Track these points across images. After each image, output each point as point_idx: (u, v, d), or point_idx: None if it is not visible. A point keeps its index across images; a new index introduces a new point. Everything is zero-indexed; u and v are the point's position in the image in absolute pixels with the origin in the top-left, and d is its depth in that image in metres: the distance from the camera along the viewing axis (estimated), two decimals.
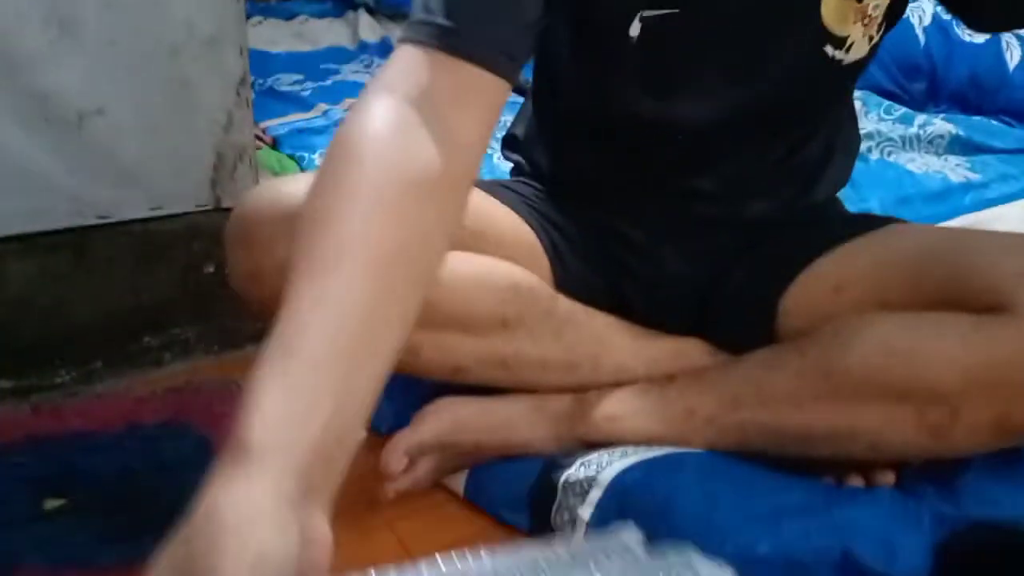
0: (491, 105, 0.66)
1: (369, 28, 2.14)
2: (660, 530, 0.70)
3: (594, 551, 0.61)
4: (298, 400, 0.49)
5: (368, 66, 1.96)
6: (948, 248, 0.78)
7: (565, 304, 0.87)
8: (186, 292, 1.05)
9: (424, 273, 0.60)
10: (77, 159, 0.95)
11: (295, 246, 0.56)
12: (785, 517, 0.69)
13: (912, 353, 0.71)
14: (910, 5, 0.85)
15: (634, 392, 0.85)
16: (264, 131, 1.51)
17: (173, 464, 0.89)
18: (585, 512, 0.76)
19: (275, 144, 1.49)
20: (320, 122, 1.57)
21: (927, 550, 0.67)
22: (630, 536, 0.64)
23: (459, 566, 0.55)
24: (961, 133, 1.57)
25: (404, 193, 0.58)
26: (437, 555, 0.56)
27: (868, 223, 0.85)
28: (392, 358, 0.55)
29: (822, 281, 0.82)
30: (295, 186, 0.77)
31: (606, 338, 0.88)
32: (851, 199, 1.23)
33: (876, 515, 0.68)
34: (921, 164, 1.51)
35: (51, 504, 0.84)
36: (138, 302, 1.03)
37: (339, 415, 0.49)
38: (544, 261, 0.88)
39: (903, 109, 1.67)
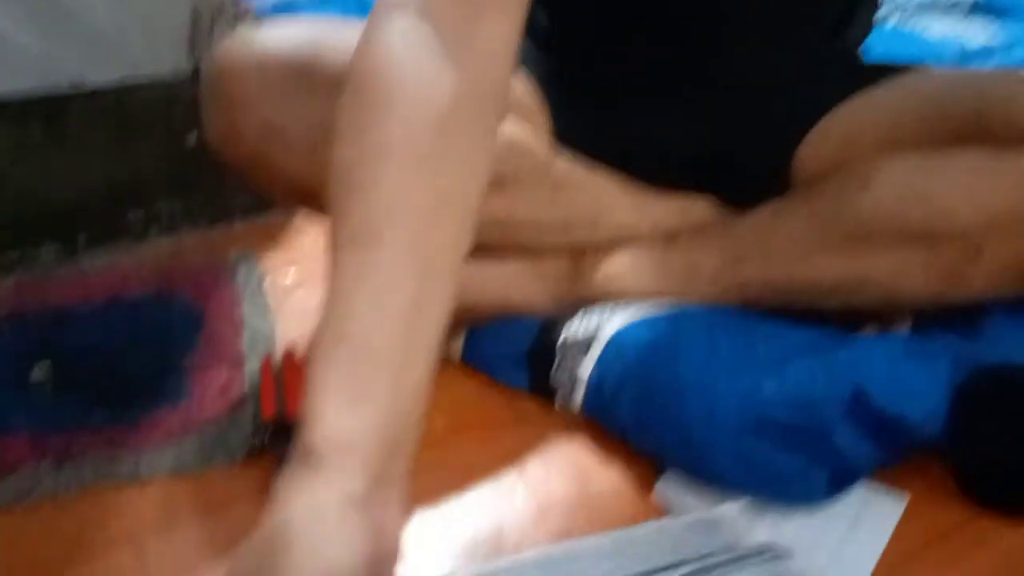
0: (511, 4, 0.58)
1: None
2: (661, 382, 0.68)
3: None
4: (356, 393, 0.47)
5: None
6: (967, 85, 0.73)
7: (563, 162, 0.82)
8: (169, 164, 1.00)
9: (470, 213, 0.55)
10: (46, 19, 0.89)
11: (331, 204, 0.52)
12: (791, 358, 0.66)
13: (930, 192, 0.67)
14: None
15: (634, 251, 0.82)
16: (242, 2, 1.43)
17: (159, 334, 0.86)
18: (585, 371, 0.74)
19: (255, 18, 1.41)
20: None
21: (943, 392, 0.64)
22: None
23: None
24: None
25: (437, 135, 0.53)
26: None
27: (886, 71, 0.80)
28: (445, 318, 0.52)
29: (837, 129, 0.78)
30: (272, 35, 0.72)
31: (606, 196, 0.84)
32: None
33: (890, 356, 0.65)
34: (938, 31, 1.45)
35: (37, 374, 0.82)
36: (118, 176, 0.98)
37: (399, 398, 0.48)
38: (541, 116, 0.84)
39: None
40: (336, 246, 0.51)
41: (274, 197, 0.95)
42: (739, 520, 0.54)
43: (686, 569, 0.52)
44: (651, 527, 0.53)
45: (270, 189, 0.81)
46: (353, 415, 0.46)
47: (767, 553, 0.55)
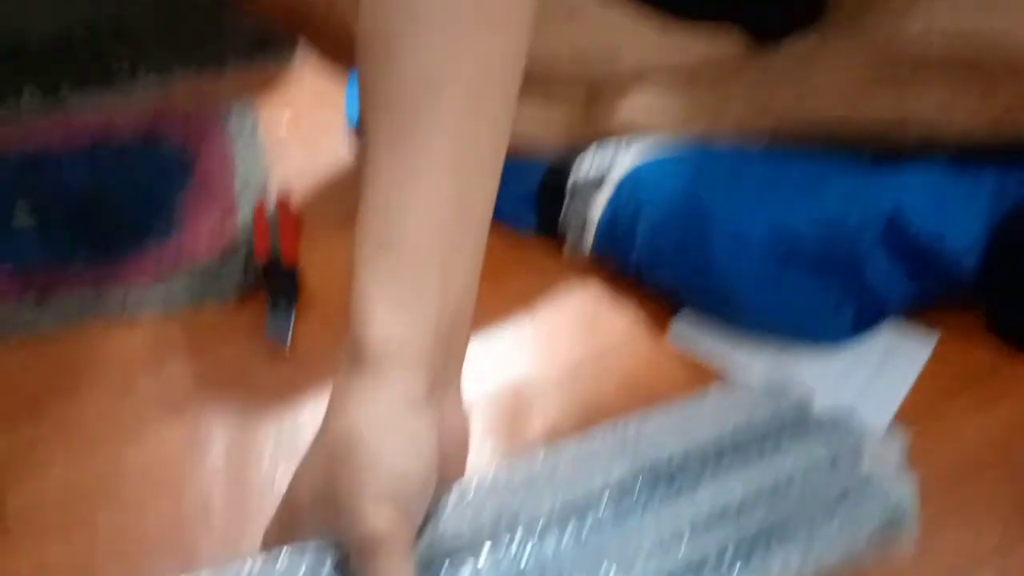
0: None
1: None
2: (681, 211, 0.64)
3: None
4: (407, 296, 0.43)
5: None
6: None
7: None
8: (158, 6, 0.94)
9: (512, 87, 0.50)
10: None
11: (361, 71, 0.48)
12: (824, 182, 0.61)
13: (984, 21, 0.61)
14: None
15: (654, 89, 0.76)
16: None
17: (147, 177, 0.82)
18: (595, 213, 0.69)
19: None
20: None
21: (983, 225, 0.60)
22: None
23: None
24: None
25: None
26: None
27: None
28: (491, 206, 0.48)
29: None
30: None
31: (624, 28, 0.78)
32: None
33: (929, 182, 0.60)
34: None
35: (19, 214, 0.78)
36: (104, 17, 0.93)
37: (450, 298, 0.44)
38: None
39: None
40: (370, 125, 0.47)
41: (266, 19, 0.89)
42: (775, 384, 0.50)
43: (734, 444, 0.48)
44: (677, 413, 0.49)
45: (262, 9, 0.76)
46: (405, 317, 0.43)
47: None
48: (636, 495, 0.43)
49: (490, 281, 0.77)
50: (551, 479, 0.43)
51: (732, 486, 0.44)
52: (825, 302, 0.61)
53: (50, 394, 0.64)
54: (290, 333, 0.67)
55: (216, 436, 0.60)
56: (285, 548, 0.38)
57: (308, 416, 0.62)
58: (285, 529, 0.41)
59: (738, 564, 0.41)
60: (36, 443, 0.60)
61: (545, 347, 0.68)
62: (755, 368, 0.62)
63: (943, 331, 0.66)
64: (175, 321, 0.70)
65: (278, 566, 0.37)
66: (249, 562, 0.37)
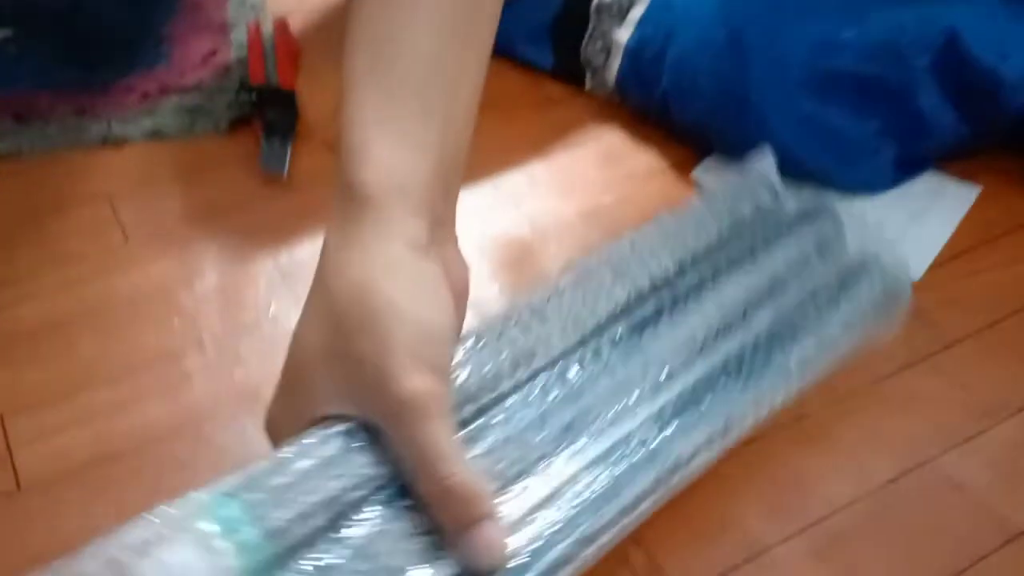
0: None
1: None
2: (715, 33, 0.58)
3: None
4: (406, 127, 0.38)
5: None
6: None
7: None
8: None
9: None
10: None
11: None
12: (876, 3, 0.55)
13: None
14: None
15: None
16: None
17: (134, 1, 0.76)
18: (623, 35, 0.63)
19: None
20: None
21: None
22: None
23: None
24: None
25: None
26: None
27: None
28: (494, 28, 0.42)
29: None
30: None
31: None
32: None
33: (988, 9, 0.54)
34: None
35: None
36: None
37: (451, 129, 0.39)
38: None
39: None
40: None
41: None
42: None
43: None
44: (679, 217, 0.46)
45: None
46: (405, 152, 0.37)
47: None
48: (645, 315, 0.40)
49: (504, 121, 0.73)
50: (560, 311, 0.40)
51: (733, 293, 0.42)
52: (866, 139, 0.56)
53: (29, 221, 0.60)
54: (287, 162, 0.63)
55: (207, 267, 0.57)
56: (314, 431, 0.34)
57: (305, 249, 0.58)
58: (293, 402, 0.36)
59: (756, 366, 0.40)
60: (13, 270, 0.57)
61: (561, 189, 0.63)
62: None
63: (985, 185, 0.62)
64: (164, 149, 0.65)
65: (309, 455, 0.33)
66: (278, 456, 0.33)
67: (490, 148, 0.65)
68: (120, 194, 0.62)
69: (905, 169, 0.59)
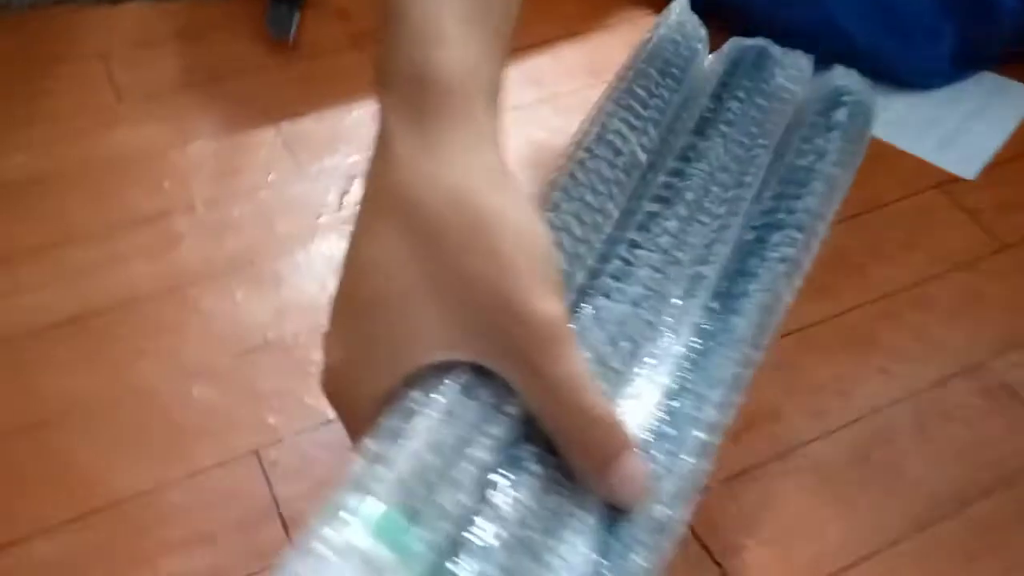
0: None
1: None
2: None
3: None
4: (475, 6, 0.31)
5: None
6: None
7: None
8: None
9: None
10: None
11: None
12: None
13: None
14: None
15: None
16: None
17: None
18: None
19: None
20: None
21: None
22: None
23: None
24: None
25: None
26: None
27: None
28: None
29: None
30: None
31: None
32: None
33: None
34: None
35: None
36: None
37: (509, 15, 0.32)
38: None
39: None
40: None
41: None
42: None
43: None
44: None
45: None
46: (480, 35, 0.31)
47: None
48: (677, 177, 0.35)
49: (538, 5, 0.68)
50: (600, 189, 0.35)
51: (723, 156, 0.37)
52: (926, 16, 0.51)
53: (20, 76, 0.56)
54: (294, 27, 0.58)
55: (203, 131, 0.52)
56: (447, 385, 0.26)
57: (310, 118, 0.53)
58: (378, 353, 0.27)
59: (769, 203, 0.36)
60: (1, 124, 0.53)
61: (594, 72, 0.59)
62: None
63: None
64: (165, 9, 0.61)
65: (435, 422, 0.26)
66: (405, 432, 0.26)
67: (523, 34, 0.61)
68: (115, 54, 0.58)
69: (963, 65, 0.54)
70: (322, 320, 0.47)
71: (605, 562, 0.27)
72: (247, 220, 0.48)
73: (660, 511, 0.28)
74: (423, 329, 0.26)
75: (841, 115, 0.38)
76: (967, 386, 0.41)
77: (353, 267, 0.28)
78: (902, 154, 0.52)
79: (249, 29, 0.59)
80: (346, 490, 0.24)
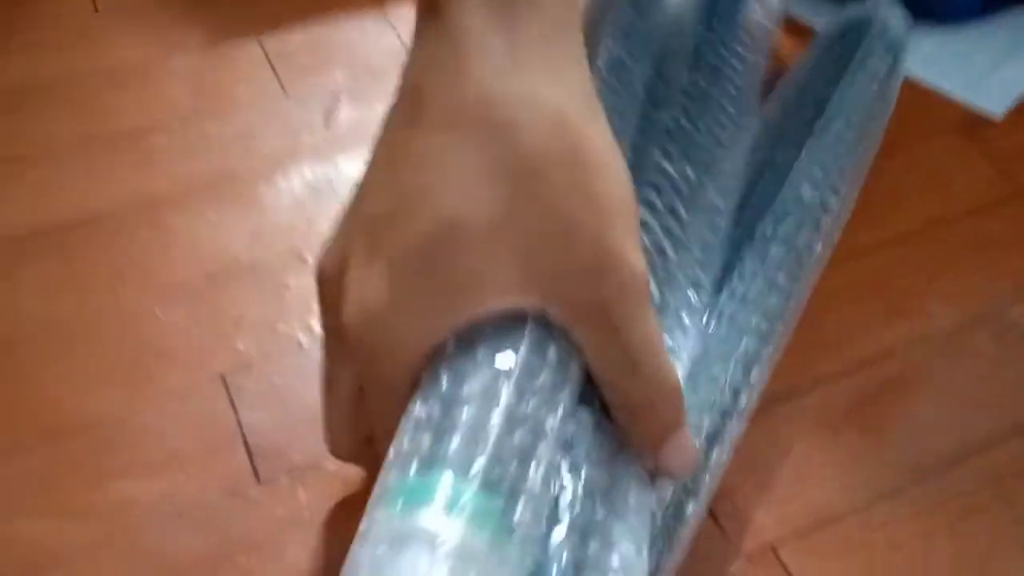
0: None
1: None
2: None
3: None
4: None
5: None
6: None
7: None
8: None
9: None
10: None
11: None
12: None
13: None
14: None
15: None
16: None
17: None
18: None
19: None
20: None
21: None
22: None
23: None
24: None
25: None
26: None
27: None
28: None
29: None
30: None
31: None
32: None
33: None
34: None
35: None
36: None
37: None
38: None
39: None
40: None
41: None
42: None
43: None
44: None
45: None
46: None
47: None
48: None
49: None
50: None
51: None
52: None
53: None
54: None
55: (184, 44, 0.50)
56: (513, 341, 0.23)
57: (296, 35, 0.50)
58: (435, 290, 0.23)
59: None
60: None
61: None
62: None
63: None
64: None
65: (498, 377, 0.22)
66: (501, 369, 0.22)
67: None
68: None
69: (995, 1, 0.51)
70: (299, 244, 0.44)
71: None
72: (227, 138, 0.45)
73: None
74: (499, 268, 0.23)
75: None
76: (981, 332, 0.38)
77: (410, 189, 0.23)
78: (925, 93, 0.49)
79: None
80: (411, 465, 0.21)
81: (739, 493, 0.33)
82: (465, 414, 0.21)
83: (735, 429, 0.29)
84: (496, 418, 0.21)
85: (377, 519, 0.20)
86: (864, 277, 0.41)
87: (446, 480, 0.20)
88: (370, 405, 0.25)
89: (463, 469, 0.21)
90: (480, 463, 0.21)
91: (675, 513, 0.27)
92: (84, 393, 0.36)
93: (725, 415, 0.29)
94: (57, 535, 0.32)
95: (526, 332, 0.23)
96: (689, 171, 0.33)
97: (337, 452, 0.30)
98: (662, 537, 0.26)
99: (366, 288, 0.23)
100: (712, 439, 0.28)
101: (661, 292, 0.29)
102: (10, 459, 0.34)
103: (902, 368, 0.37)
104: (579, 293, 0.23)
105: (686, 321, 0.29)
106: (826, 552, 0.32)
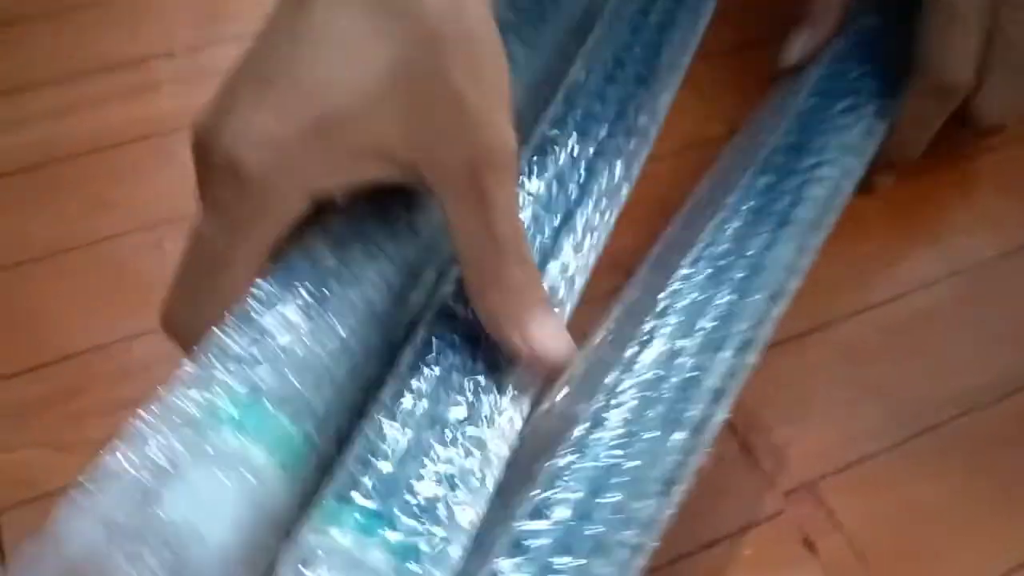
0: None
1: None
2: None
3: None
4: None
5: None
6: None
7: None
8: None
9: None
10: None
11: None
12: None
13: None
14: None
15: None
16: None
17: None
18: None
19: None
20: None
21: None
22: None
23: None
24: None
25: None
26: None
27: None
28: None
29: None
30: None
31: None
32: None
33: None
34: None
35: None
36: None
37: None
38: None
39: None
40: None
41: None
42: None
43: None
44: None
45: None
46: None
47: None
48: None
49: None
50: None
51: None
52: None
53: None
54: None
55: None
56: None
57: None
58: (328, 133, 0.24)
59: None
60: None
61: None
62: None
63: None
64: None
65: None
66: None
67: None
68: None
69: None
70: None
71: None
72: (229, 67, 0.44)
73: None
74: (384, 126, 0.24)
75: None
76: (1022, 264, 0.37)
77: (300, 50, 0.24)
78: None
79: None
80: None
81: (775, 430, 0.32)
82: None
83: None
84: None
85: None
86: (902, 207, 0.39)
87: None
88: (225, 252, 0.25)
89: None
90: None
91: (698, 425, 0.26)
92: (78, 323, 0.35)
93: None
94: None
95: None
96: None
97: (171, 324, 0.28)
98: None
99: (252, 130, 0.24)
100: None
101: None
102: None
103: (940, 301, 0.36)
104: (453, 156, 0.24)
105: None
106: (866, 488, 0.31)
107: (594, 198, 0.29)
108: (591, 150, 0.30)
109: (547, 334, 0.25)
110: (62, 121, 0.42)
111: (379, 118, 0.24)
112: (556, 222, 0.28)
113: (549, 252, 0.28)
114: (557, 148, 0.30)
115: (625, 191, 0.30)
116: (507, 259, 0.25)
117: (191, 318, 0.27)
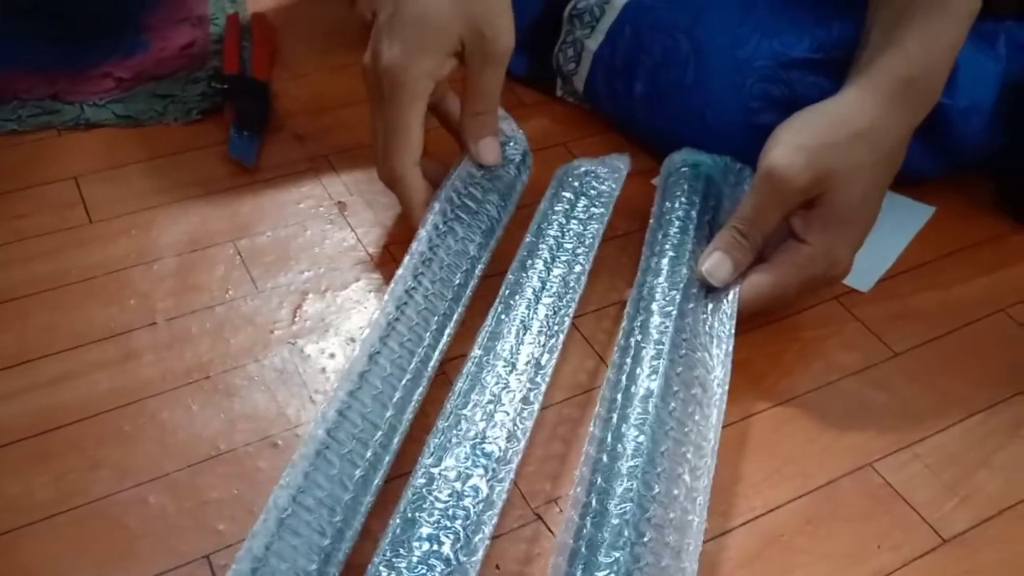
0: None
1: None
2: (682, 46, 0.59)
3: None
4: None
5: None
6: None
7: None
8: None
9: None
10: None
11: None
12: (835, 18, 0.56)
13: None
14: None
15: None
16: None
17: None
18: (593, 42, 0.64)
19: None
20: None
21: (996, 81, 0.56)
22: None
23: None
24: None
25: None
26: None
27: None
28: None
29: None
30: None
31: None
32: None
33: None
34: None
35: None
36: None
37: None
38: None
39: None
40: None
41: None
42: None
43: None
44: None
45: None
46: None
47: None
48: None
49: None
50: None
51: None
52: None
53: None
54: (255, 151, 0.63)
55: (167, 249, 0.57)
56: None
57: (266, 238, 0.58)
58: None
59: None
60: None
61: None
62: None
63: (941, 206, 0.63)
64: (134, 134, 0.66)
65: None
66: None
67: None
68: (85, 171, 0.62)
69: None
70: (271, 431, 0.50)
71: None
72: (204, 334, 0.52)
73: None
74: (450, 14, 0.50)
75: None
76: (854, 485, 0.45)
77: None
78: None
79: (214, 152, 0.64)
80: None
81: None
82: None
83: None
84: None
85: None
86: (752, 438, 0.48)
87: None
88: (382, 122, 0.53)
89: None
90: None
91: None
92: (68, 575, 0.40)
93: None
94: None
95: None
96: None
97: (384, 178, 0.55)
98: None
99: (382, 49, 0.51)
100: None
101: None
102: None
103: (784, 520, 0.44)
104: (482, 36, 0.51)
105: None
106: None
107: None
108: None
109: (489, 148, 0.54)
110: (57, 391, 0.49)
111: (449, 13, 0.50)
112: None
113: None
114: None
115: None
116: (489, 104, 0.54)
117: (391, 169, 0.53)
